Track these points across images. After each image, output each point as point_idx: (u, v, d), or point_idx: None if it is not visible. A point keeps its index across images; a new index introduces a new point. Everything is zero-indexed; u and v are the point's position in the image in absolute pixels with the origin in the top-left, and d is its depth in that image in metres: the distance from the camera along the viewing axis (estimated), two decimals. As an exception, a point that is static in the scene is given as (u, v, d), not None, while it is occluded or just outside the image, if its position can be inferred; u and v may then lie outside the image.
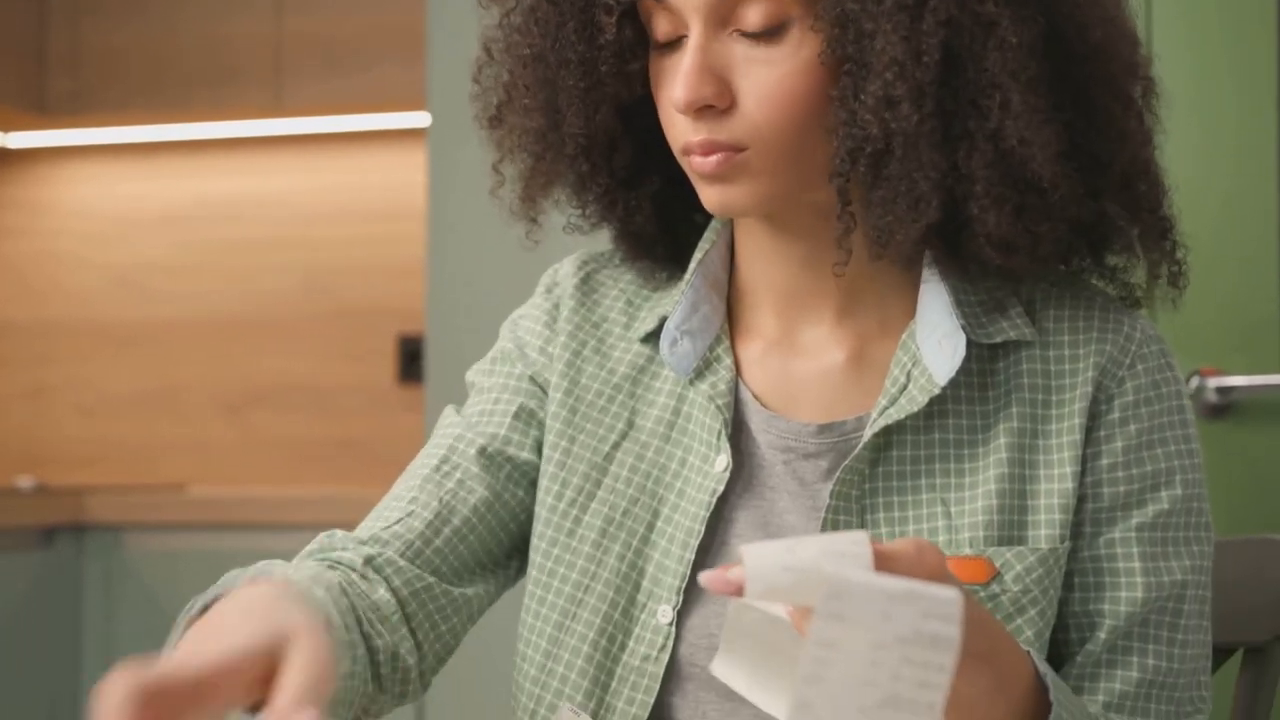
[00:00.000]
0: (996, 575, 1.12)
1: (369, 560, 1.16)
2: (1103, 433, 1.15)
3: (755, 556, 0.87)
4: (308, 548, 1.19)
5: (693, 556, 1.16)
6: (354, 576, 1.14)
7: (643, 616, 1.17)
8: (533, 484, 1.24)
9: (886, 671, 0.83)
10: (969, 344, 1.16)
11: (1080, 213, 1.15)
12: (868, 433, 1.14)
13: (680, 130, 1.13)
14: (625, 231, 1.25)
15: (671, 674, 1.15)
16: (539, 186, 1.24)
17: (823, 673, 0.83)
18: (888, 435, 1.15)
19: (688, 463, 1.19)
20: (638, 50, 1.16)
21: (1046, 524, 1.14)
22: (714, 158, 1.12)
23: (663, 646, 1.15)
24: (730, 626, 0.93)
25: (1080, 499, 1.15)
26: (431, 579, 1.18)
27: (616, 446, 1.21)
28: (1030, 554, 1.13)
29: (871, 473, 1.15)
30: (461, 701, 2.84)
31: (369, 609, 1.13)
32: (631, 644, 1.16)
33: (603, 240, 1.29)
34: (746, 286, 1.24)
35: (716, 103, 1.11)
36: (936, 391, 1.14)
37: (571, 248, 1.31)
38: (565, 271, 1.29)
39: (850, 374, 1.19)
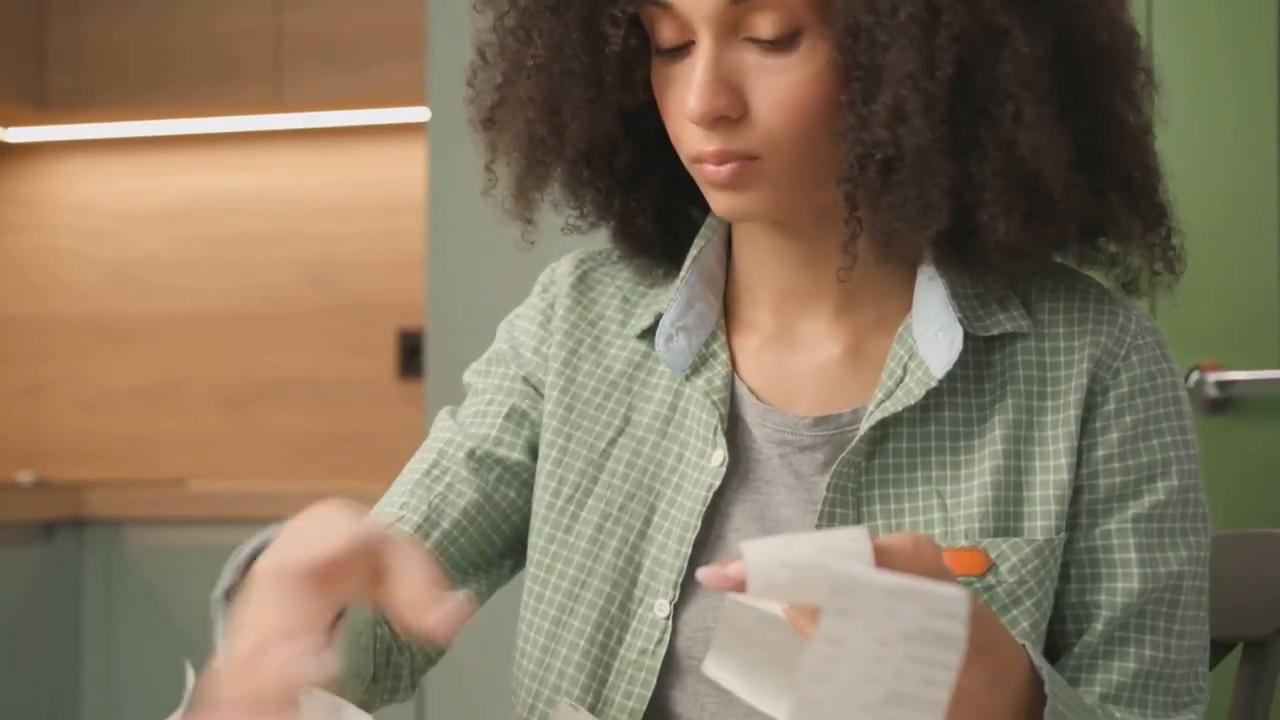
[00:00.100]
0: (992, 567, 1.12)
1: None
2: (1098, 424, 1.16)
3: (755, 553, 0.86)
4: None
5: (689, 551, 1.16)
6: None
7: (640, 610, 1.17)
8: (524, 485, 1.24)
9: (891, 668, 0.83)
10: (965, 337, 1.16)
11: (1088, 215, 1.15)
12: (864, 425, 1.15)
13: (691, 139, 1.13)
14: (624, 231, 1.25)
15: (669, 667, 1.16)
16: (533, 187, 1.24)
17: (829, 670, 0.83)
18: (884, 428, 1.15)
19: (684, 458, 1.19)
20: (640, 58, 1.15)
21: (1042, 515, 1.14)
22: (727, 167, 1.11)
23: (659, 640, 1.15)
24: (724, 625, 0.93)
25: (1076, 490, 1.15)
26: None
27: (613, 442, 1.22)
28: (1026, 545, 1.13)
29: (868, 465, 1.15)
30: (462, 701, 2.84)
31: None
32: (629, 638, 1.17)
33: (601, 238, 1.29)
34: (744, 283, 1.24)
35: (730, 113, 1.10)
36: (933, 384, 1.14)
37: (571, 245, 1.31)
38: (562, 270, 1.29)
39: (847, 367, 1.20)
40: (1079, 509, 1.15)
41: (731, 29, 1.10)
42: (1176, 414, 1.18)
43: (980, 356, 1.17)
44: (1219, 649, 1.41)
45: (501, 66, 1.20)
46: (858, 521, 1.14)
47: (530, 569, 1.22)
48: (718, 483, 1.17)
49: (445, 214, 2.87)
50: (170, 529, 3.33)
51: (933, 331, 1.16)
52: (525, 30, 1.17)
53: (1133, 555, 1.14)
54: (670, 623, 1.15)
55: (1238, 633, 1.41)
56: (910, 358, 1.16)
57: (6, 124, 3.94)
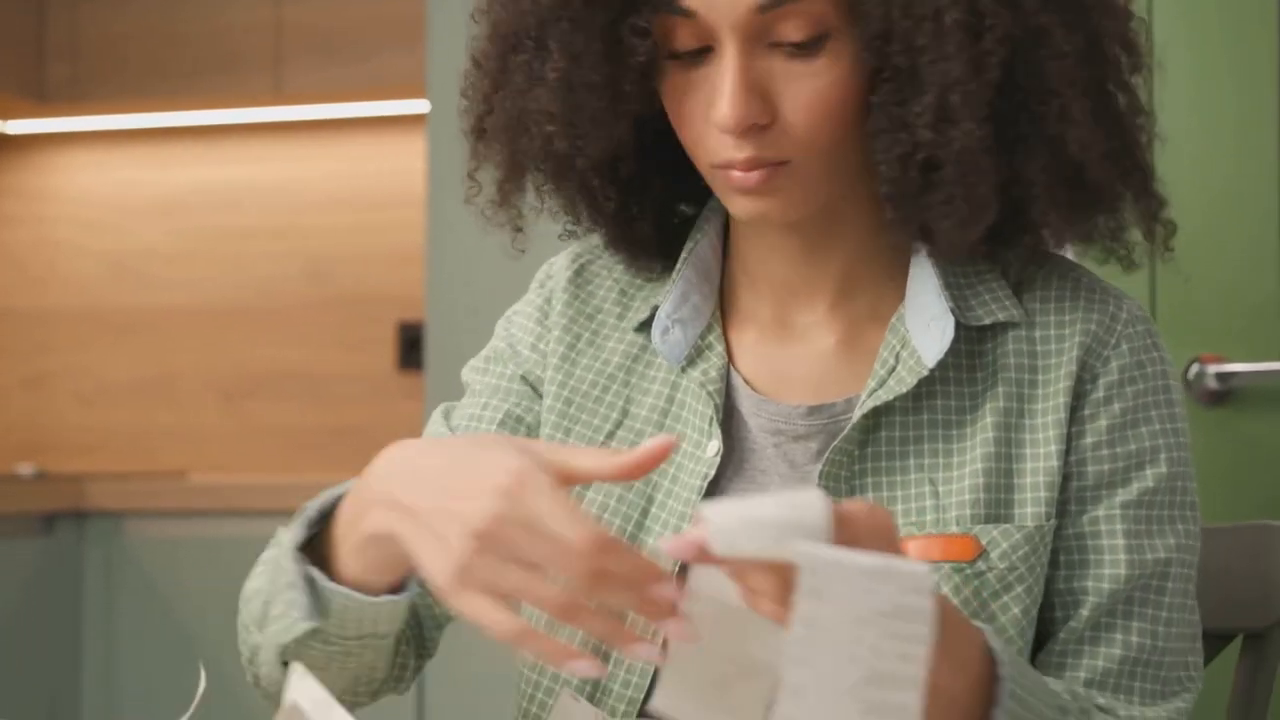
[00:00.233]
0: (983, 553, 1.13)
1: None
2: (1087, 411, 1.16)
3: (716, 514, 0.87)
4: None
5: (685, 541, 1.16)
6: None
7: (637, 600, 1.17)
8: None
9: (868, 647, 0.84)
10: (957, 326, 1.17)
11: (1117, 201, 1.17)
12: (856, 413, 1.15)
13: (717, 147, 1.12)
14: (621, 236, 1.25)
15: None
16: (518, 195, 1.23)
17: (808, 654, 0.84)
18: (876, 416, 1.16)
19: (680, 449, 1.19)
20: (654, 65, 1.13)
21: (1033, 502, 1.14)
22: (756, 173, 1.11)
23: (656, 630, 1.15)
24: (672, 658, 0.93)
25: (1065, 477, 1.16)
26: (419, 588, 1.18)
27: (611, 435, 1.22)
28: (1016, 532, 1.13)
29: (860, 453, 1.16)
30: (461, 697, 2.84)
31: None
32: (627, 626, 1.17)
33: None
34: (742, 275, 1.24)
35: (761, 120, 1.10)
36: (925, 373, 1.15)
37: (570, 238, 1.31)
38: (558, 265, 1.29)
39: (842, 357, 1.20)
40: (1068, 496, 1.16)
41: (757, 35, 1.09)
42: (1166, 402, 1.18)
43: (972, 346, 1.18)
44: (1219, 640, 1.41)
45: (514, 79, 1.17)
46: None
47: (530, 561, 1.22)
48: (713, 472, 1.17)
49: (445, 206, 2.87)
50: (170, 521, 3.33)
51: (925, 321, 1.17)
52: (539, 41, 1.15)
53: (1121, 542, 1.15)
54: (667, 611, 1.16)
55: (1238, 624, 1.41)
56: (903, 347, 1.17)
57: (5, 116, 3.94)
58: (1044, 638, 1.16)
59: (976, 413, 1.16)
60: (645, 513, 1.19)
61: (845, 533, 0.88)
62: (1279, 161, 2.25)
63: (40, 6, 3.77)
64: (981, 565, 1.13)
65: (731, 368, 1.21)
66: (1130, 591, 1.15)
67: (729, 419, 1.20)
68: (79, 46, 3.76)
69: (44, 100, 3.79)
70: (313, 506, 1.07)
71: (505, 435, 1.14)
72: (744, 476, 1.18)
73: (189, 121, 3.91)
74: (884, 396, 1.15)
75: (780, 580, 0.87)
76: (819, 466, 1.16)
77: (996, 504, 1.14)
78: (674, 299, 1.22)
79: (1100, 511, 1.16)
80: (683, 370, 1.21)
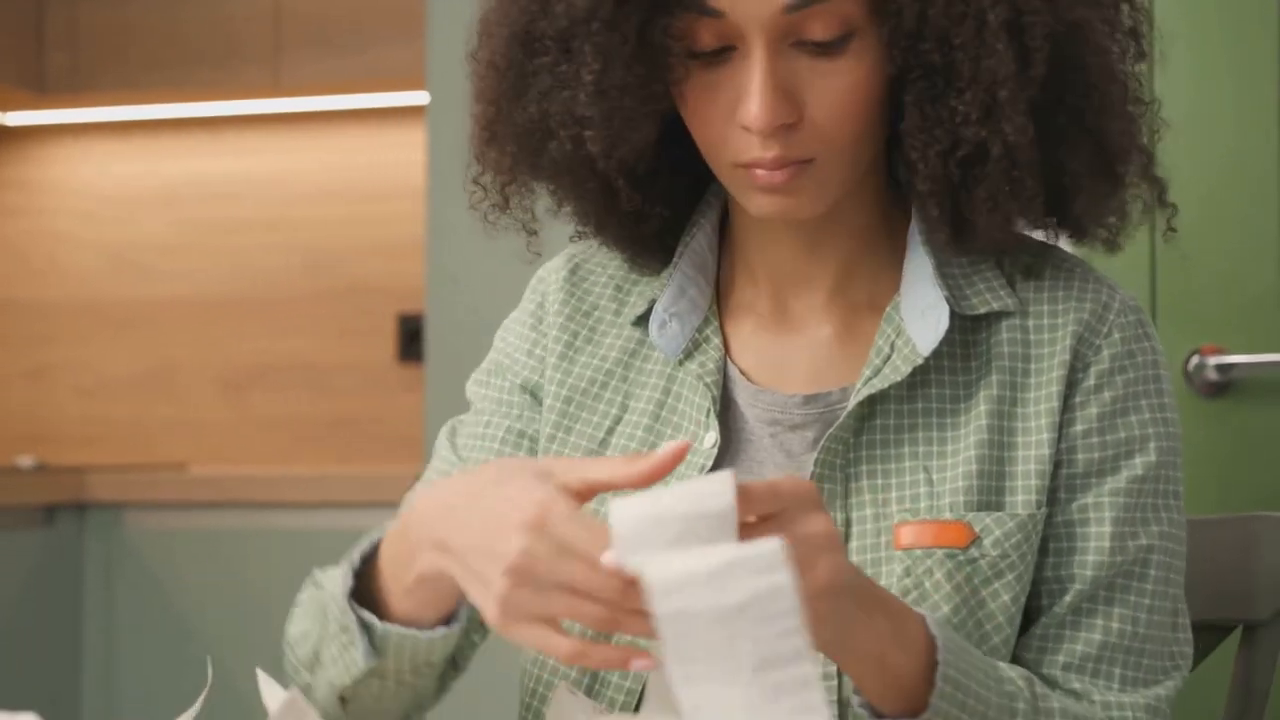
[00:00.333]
0: (976, 540, 1.13)
1: None
2: (1078, 399, 1.17)
3: (618, 518, 0.89)
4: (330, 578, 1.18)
5: (682, 532, 1.16)
6: None
7: (635, 594, 1.17)
8: None
9: (746, 638, 0.85)
10: (952, 315, 1.17)
11: (1128, 189, 1.19)
12: (851, 402, 1.16)
13: (743, 146, 1.12)
14: (630, 235, 1.24)
15: (664, 648, 1.16)
16: (519, 195, 1.23)
17: (690, 670, 0.86)
18: (871, 405, 1.16)
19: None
20: (678, 64, 1.13)
21: (1024, 490, 1.15)
22: (782, 172, 1.11)
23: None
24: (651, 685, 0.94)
25: (1056, 465, 1.16)
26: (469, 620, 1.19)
27: (611, 431, 1.22)
28: (1009, 519, 1.14)
29: (855, 441, 1.16)
30: (461, 699, 2.84)
31: None
32: (625, 620, 1.17)
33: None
34: (740, 266, 1.25)
35: (789, 119, 1.10)
36: (919, 361, 1.15)
37: (568, 231, 1.31)
38: (552, 266, 1.30)
39: (838, 347, 1.21)
40: (1058, 483, 1.16)
41: (783, 34, 1.09)
42: (1156, 391, 1.19)
43: (967, 335, 1.19)
44: (1218, 631, 1.41)
45: (537, 82, 1.15)
46: (845, 497, 1.15)
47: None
48: (710, 464, 1.18)
49: (445, 198, 2.87)
50: (170, 513, 3.33)
51: (920, 310, 1.17)
52: (564, 44, 1.13)
53: (1107, 529, 1.15)
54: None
55: (1236, 615, 1.41)
56: (898, 336, 1.17)
57: (5, 108, 3.94)
58: (1030, 624, 1.16)
59: (971, 401, 1.17)
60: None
61: (768, 505, 0.92)
62: (1279, 153, 2.25)
63: (40, -2, 3.77)
64: (974, 552, 1.13)
65: (728, 359, 1.22)
66: (1112, 578, 1.15)
67: (726, 410, 1.20)
68: (79, 37, 3.76)
69: (43, 91, 3.78)
70: (355, 554, 1.11)
71: (522, 459, 1.18)
72: (741, 468, 1.19)
73: (189, 113, 3.91)
74: (879, 385, 1.15)
75: None
76: (814, 455, 1.16)
77: (990, 491, 1.15)
78: (671, 293, 1.22)
79: (1089, 499, 1.16)
80: (680, 363, 1.21)
